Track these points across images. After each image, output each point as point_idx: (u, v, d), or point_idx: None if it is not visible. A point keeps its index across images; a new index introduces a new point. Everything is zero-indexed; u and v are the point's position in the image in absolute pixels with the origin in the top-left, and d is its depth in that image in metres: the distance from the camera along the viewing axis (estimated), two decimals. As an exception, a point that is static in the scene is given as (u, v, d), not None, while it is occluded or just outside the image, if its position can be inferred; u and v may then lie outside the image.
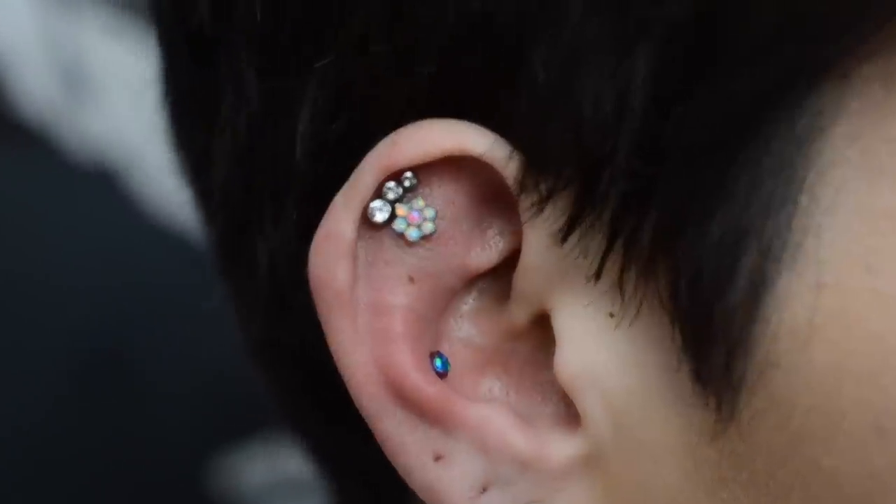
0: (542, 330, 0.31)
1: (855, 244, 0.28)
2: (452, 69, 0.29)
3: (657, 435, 0.30)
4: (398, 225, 0.31)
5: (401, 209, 0.30)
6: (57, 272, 0.68)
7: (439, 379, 0.31)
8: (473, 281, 0.32)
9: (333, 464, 0.39)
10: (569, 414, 0.31)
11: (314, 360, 0.34)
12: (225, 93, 0.33)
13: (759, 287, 0.28)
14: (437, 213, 0.31)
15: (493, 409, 0.31)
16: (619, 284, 0.29)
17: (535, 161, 0.29)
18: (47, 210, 0.68)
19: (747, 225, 0.28)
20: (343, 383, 0.31)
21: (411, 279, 0.31)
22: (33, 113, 0.67)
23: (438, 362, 0.31)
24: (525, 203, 0.29)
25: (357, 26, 0.30)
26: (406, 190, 0.31)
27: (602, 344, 0.30)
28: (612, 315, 0.30)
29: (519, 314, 0.31)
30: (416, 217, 0.30)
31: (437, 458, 0.31)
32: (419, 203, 0.31)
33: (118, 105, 0.67)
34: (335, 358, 0.31)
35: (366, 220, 0.31)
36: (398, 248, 0.31)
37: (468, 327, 0.32)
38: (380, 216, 0.31)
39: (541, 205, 0.29)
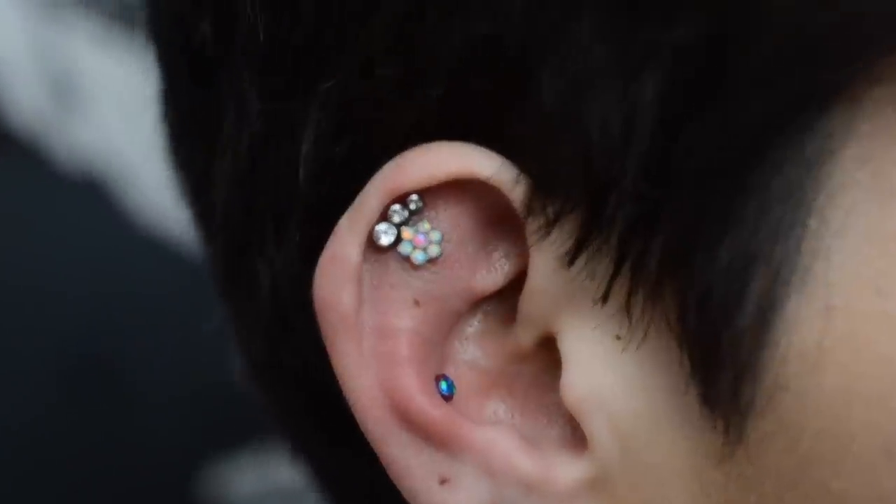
0: (547, 352, 0.31)
1: (864, 267, 0.28)
2: (459, 92, 0.29)
3: (664, 458, 0.30)
4: (404, 248, 0.30)
5: (406, 232, 0.30)
6: (46, 281, 0.67)
7: (445, 402, 0.31)
8: (478, 303, 0.31)
9: (337, 486, 0.39)
10: (575, 436, 0.31)
11: (317, 382, 0.34)
12: (226, 113, 0.33)
13: (768, 311, 0.28)
14: (443, 236, 0.30)
15: (498, 432, 0.31)
16: (627, 308, 0.29)
17: (543, 184, 0.29)
18: (36, 220, 0.68)
19: (756, 249, 0.28)
20: (347, 405, 0.31)
21: (417, 302, 0.31)
22: (23, 123, 0.67)
23: (444, 385, 0.31)
24: (532, 226, 0.29)
25: (363, 48, 0.30)
26: (412, 213, 0.30)
27: (609, 367, 0.30)
28: (618, 338, 0.30)
29: (525, 337, 0.31)
30: (422, 240, 0.30)
31: (443, 482, 0.31)
32: (425, 226, 0.30)
33: (107, 115, 0.67)
34: (340, 381, 0.31)
35: (371, 243, 0.30)
36: (403, 272, 0.31)
37: (473, 350, 0.32)
38: (385, 239, 0.30)
39: (548, 228, 0.29)
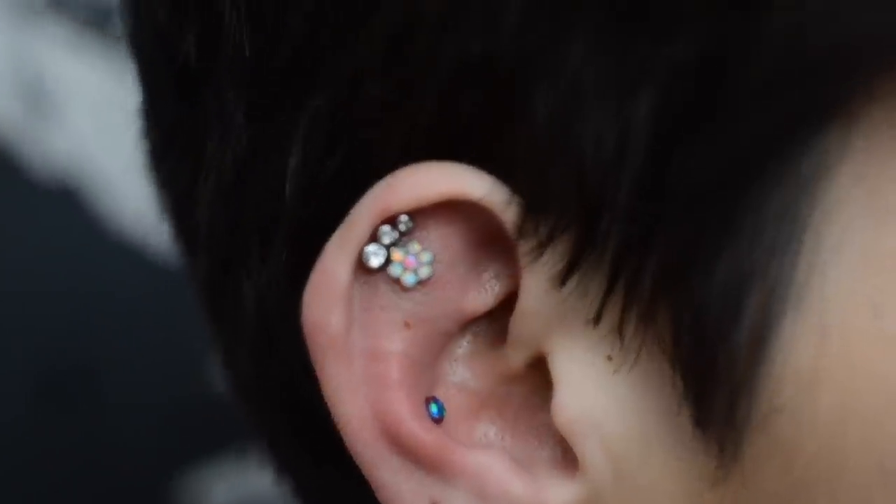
0: (537, 373, 0.31)
1: (860, 284, 0.28)
2: (450, 111, 0.29)
3: (657, 480, 0.30)
4: (394, 270, 0.30)
5: (397, 254, 0.30)
6: (20, 288, 0.67)
7: (436, 426, 0.30)
8: (468, 324, 0.31)
9: (322, 507, 0.39)
10: (566, 458, 0.31)
11: (303, 401, 0.33)
12: (211, 129, 0.33)
13: (764, 328, 0.28)
14: (433, 257, 0.30)
15: (489, 456, 0.30)
16: (619, 328, 0.29)
17: (535, 204, 0.29)
18: (10, 227, 0.67)
19: (752, 266, 0.28)
20: (334, 426, 0.31)
21: (407, 324, 0.30)
22: (-5, 131, 0.66)
23: (434, 408, 0.31)
24: (524, 247, 0.29)
25: (352, 66, 0.30)
26: (402, 234, 0.30)
27: (601, 388, 0.30)
28: (610, 359, 0.30)
29: (515, 358, 0.31)
30: (413, 262, 0.30)
31: None
32: (415, 247, 0.30)
33: (81, 122, 0.66)
34: (329, 404, 0.30)
35: (360, 264, 0.30)
36: (394, 294, 0.30)
37: (462, 371, 0.31)
38: (375, 261, 0.30)
39: (540, 249, 0.29)
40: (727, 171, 0.27)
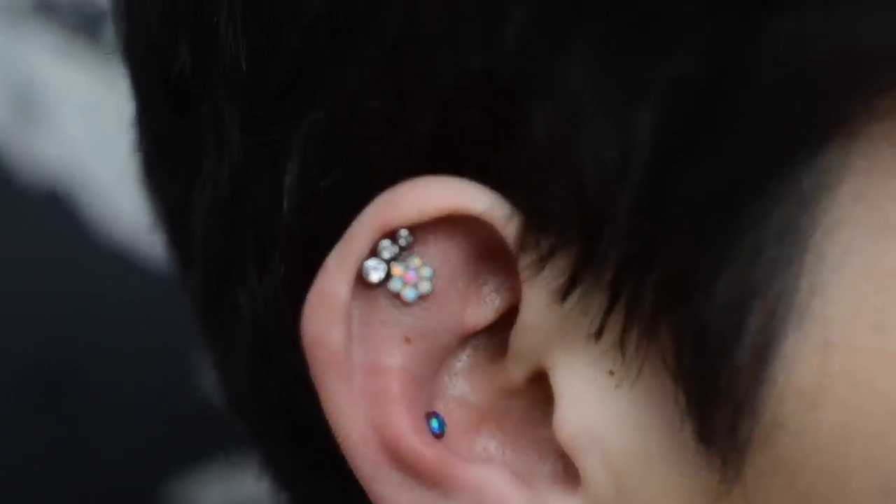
0: (538, 387, 0.30)
1: (862, 303, 0.27)
2: (450, 126, 0.29)
3: (659, 495, 0.30)
4: (394, 285, 0.30)
5: (397, 268, 0.30)
6: (8, 293, 0.67)
7: (436, 440, 0.30)
8: (467, 338, 0.31)
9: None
10: (567, 473, 0.30)
11: (300, 415, 0.33)
12: (206, 141, 0.33)
13: (765, 347, 0.28)
14: (433, 272, 0.30)
15: (490, 470, 0.30)
16: (621, 343, 0.29)
17: (536, 219, 0.29)
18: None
19: (753, 285, 0.27)
20: (332, 439, 0.31)
21: (407, 339, 0.30)
22: (-16, 136, 0.66)
23: (435, 423, 0.30)
24: (524, 262, 0.29)
25: (350, 81, 0.29)
26: (401, 248, 0.30)
27: (602, 403, 0.29)
28: (612, 374, 0.29)
29: (516, 372, 0.30)
30: (413, 276, 0.30)
31: None
32: (415, 262, 0.30)
33: (70, 127, 0.66)
34: (330, 419, 0.30)
35: (360, 279, 0.30)
36: (394, 308, 0.30)
37: (462, 385, 0.31)
38: (375, 276, 0.30)
39: (541, 264, 0.29)
40: (727, 189, 0.27)
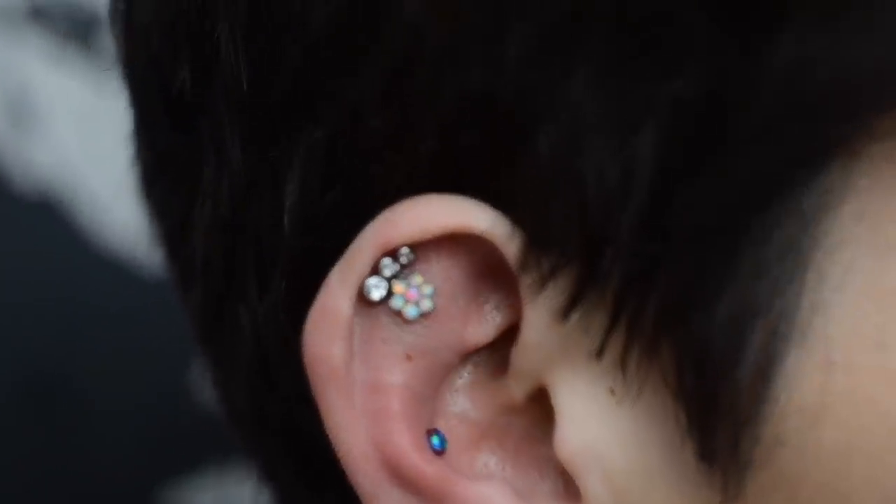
0: (538, 404, 0.30)
1: (863, 321, 0.28)
2: (452, 144, 0.29)
3: None
4: (395, 302, 0.30)
5: (398, 286, 0.30)
6: (2, 300, 0.67)
7: (437, 458, 0.30)
8: (468, 355, 0.31)
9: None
10: (568, 490, 0.31)
11: (301, 432, 0.33)
12: (206, 158, 0.33)
13: (767, 366, 0.28)
14: (435, 289, 0.30)
15: (491, 487, 0.30)
16: (622, 362, 0.29)
17: (537, 238, 0.29)
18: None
19: (755, 304, 0.28)
20: (332, 456, 0.31)
21: (408, 357, 0.30)
22: (-24, 143, 0.66)
23: (436, 440, 0.30)
24: (526, 281, 0.29)
25: (351, 100, 0.29)
26: (403, 266, 0.30)
27: (603, 421, 0.29)
28: (613, 392, 0.29)
29: (517, 390, 0.30)
30: (414, 294, 0.30)
31: None
32: (417, 279, 0.30)
33: (63, 134, 0.66)
34: (331, 436, 0.30)
35: (362, 296, 0.30)
36: (395, 326, 0.30)
37: (463, 402, 0.31)
38: (376, 293, 0.30)
39: (542, 283, 0.29)
40: (729, 209, 0.27)
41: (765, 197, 0.27)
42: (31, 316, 0.66)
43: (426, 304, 0.30)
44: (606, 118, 0.27)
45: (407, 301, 0.30)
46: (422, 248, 0.30)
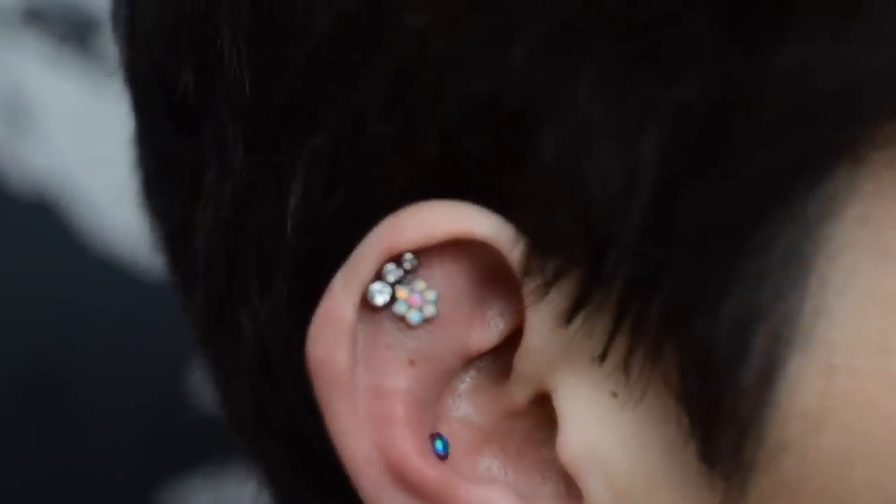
0: (540, 408, 0.31)
1: (866, 326, 0.28)
2: (456, 149, 0.29)
3: None
4: (399, 308, 0.30)
5: (402, 292, 0.30)
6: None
7: (440, 462, 0.30)
8: (471, 360, 0.31)
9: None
10: (570, 494, 0.31)
11: (305, 437, 0.33)
12: (209, 162, 0.33)
13: (769, 370, 0.28)
14: (438, 295, 0.30)
15: (493, 491, 0.30)
16: (625, 366, 0.29)
17: (541, 243, 0.29)
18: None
19: (758, 308, 0.28)
20: (335, 460, 0.31)
21: (412, 362, 0.30)
22: (-27, 145, 0.66)
23: (439, 445, 0.30)
24: (529, 286, 0.29)
25: (354, 104, 0.29)
26: (406, 272, 0.30)
27: (605, 425, 0.30)
28: (615, 395, 0.30)
29: (519, 394, 0.30)
30: (418, 300, 0.30)
31: None
32: (420, 285, 0.30)
33: (59, 137, 0.66)
34: (334, 440, 0.30)
35: (365, 301, 0.30)
36: (398, 331, 0.30)
37: (465, 406, 0.31)
38: (380, 299, 0.30)
39: (546, 288, 0.29)
40: (732, 213, 0.27)
41: (768, 201, 0.27)
42: (29, 317, 0.66)
43: (429, 310, 0.30)
44: (611, 121, 0.27)
45: (410, 306, 0.30)
46: (425, 253, 0.30)
